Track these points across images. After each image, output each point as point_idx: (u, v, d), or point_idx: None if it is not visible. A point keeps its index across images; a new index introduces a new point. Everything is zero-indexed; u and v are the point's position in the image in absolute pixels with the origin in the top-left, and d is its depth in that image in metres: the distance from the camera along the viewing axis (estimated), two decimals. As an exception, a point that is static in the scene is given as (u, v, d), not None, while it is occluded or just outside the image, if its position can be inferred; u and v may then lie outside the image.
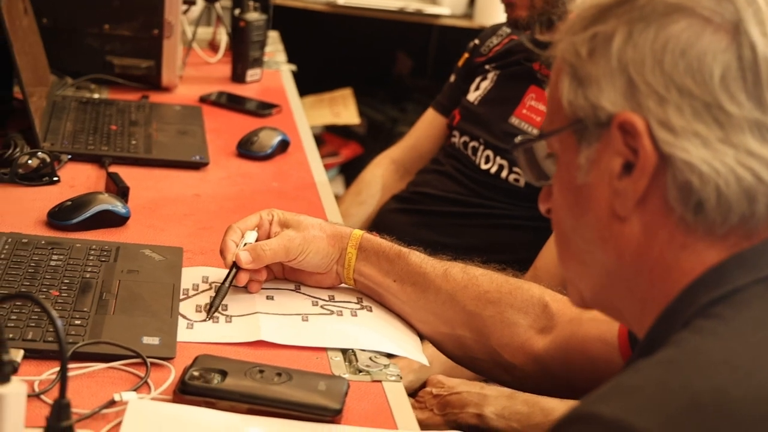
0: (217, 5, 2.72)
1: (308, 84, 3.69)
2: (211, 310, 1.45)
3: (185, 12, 2.68)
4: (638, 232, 0.95)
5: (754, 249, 0.93)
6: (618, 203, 0.94)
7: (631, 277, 0.98)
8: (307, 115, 2.64)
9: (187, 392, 1.23)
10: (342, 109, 3.51)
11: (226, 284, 1.48)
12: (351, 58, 3.88)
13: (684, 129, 0.91)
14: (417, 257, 1.50)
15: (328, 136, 3.87)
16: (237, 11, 2.58)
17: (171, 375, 1.27)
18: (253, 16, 2.56)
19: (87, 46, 2.38)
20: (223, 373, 1.26)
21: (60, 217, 1.67)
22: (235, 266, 1.49)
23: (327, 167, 3.73)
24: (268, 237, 1.52)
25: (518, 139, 1.07)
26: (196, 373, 1.25)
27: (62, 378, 1.02)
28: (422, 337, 1.51)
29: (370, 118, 3.85)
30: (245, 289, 1.51)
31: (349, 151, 3.79)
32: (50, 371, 1.26)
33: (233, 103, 2.41)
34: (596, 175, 0.96)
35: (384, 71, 3.98)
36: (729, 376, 0.84)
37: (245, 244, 1.50)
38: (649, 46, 0.93)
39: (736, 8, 0.92)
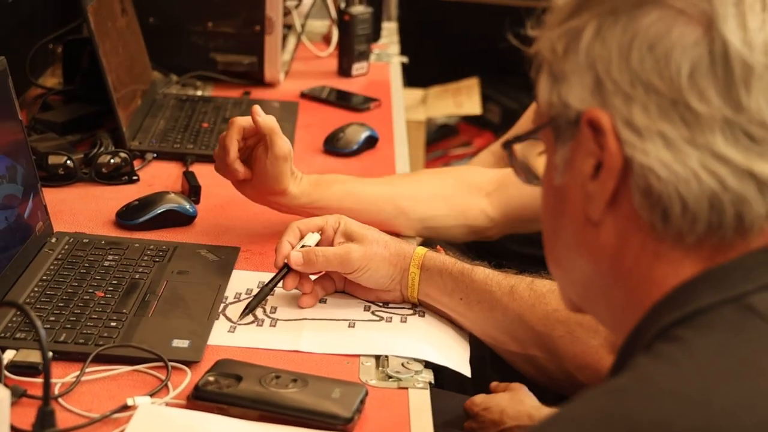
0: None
1: (438, 75, 3.68)
2: (246, 310, 1.45)
3: (297, 6, 2.70)
4: (613, 238, 0.90)
5: (725, 266, 0.86)
6: (590, 207, 0.90)
7: (609, 285, 0.93)
8: (430, 106, 2.63)
9: (199, 397, 1.24)
10: (465, 99, 3.47)
11: (270, 285, 1.48)
12: (482, 46, 3.83)
13: (648, 128, 0.85)
14: (482, 274, 1.46)
15: (463, 126, 3.84)
16: (343, 4, 2.57)
17: (186, 379, 1.28)
18: (358, 9, 2.55)
19: (191, 43, 2.43)
20: (239, 379, 1.26)
21: (127, 216, 1.71)
22: (286, 267, 1.49)
23: (459, 157, 3.72)
24: (331, 244, 1.50)
25: (508, 136, 1.03)
26: (211, 378, 1.26)
27: (45, 385, 1.04)
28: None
29: (504, 106, 3.80)
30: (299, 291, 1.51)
31: (482, 141, 3.75)
32: (73, 374, 1.28)
33: (333, 98, 2.41)
34: (571, 177, 0.91)
35: (518, 58, 3.91)
36: (676, 408, 0.79)
37: (302, 246, 1.49)
38: (617, 41, 0.87)
39: (709, 0, 0.86)
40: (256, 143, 1.63)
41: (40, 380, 1.24)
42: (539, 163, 0.99)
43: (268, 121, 1.59)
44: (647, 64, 0.86)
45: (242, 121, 1.61)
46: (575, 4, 0.91)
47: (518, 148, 1.01)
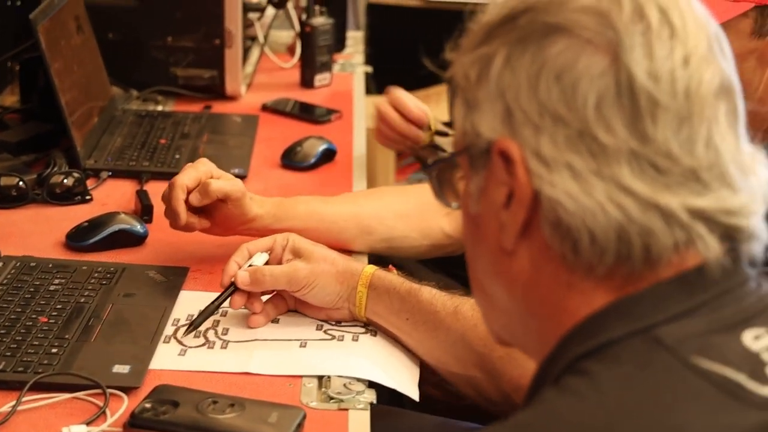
0: (291, 9, 2.71)
1: (410, 81, 3.66)
2: (189, 328, 1.45)
3: (260, 18, 2.70)
4: (527, 268, 0.90)
5: (635, 297, 0.86)
6: (503, 236, 0.89)
7: (525, 314, 0.93)
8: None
9: (135, 425, 1.23)
10: (434, 105, 3.45)
11: (215, 304, 1.47)
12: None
13: (556, 160, 0.85)
14: (428, 294, 1.45)
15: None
16: (304, 16, 2.57)
17: (123, 406, 1.27)
18: (320, 20, 2.55)
19: (152, 58, 2.42)
20: (175, 405, 1.25)
21: (77, 238, 1.70)
22: (233, 287, 1.48)
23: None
24: (279, 263, 1.50)
25: (429, 160, 1.02)
26: (147, 405, 1.25)
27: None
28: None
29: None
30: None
31: (456, 146, 3.74)
32: (10, 404, 1.28)
33: (296, 111, 2.40)
34: (485, 205, 0.91)
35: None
36: None
37: (250, 266, 1.49)
38: (525, 71, 0.87)
39: (616, 29, 0.85)
40: None
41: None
42: (460, 188, 0.99)
43: (215, 189, 1.59)
44: (554, 94, 0.85)
45: (183, 180, 1.60)
46: (486, 31, 0.91)
47: (437, 173, 1.01)
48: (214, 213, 1.63)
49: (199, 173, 1.60)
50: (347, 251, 1.69)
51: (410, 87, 3.66)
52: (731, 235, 0.87)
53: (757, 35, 1.40)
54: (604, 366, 0.83)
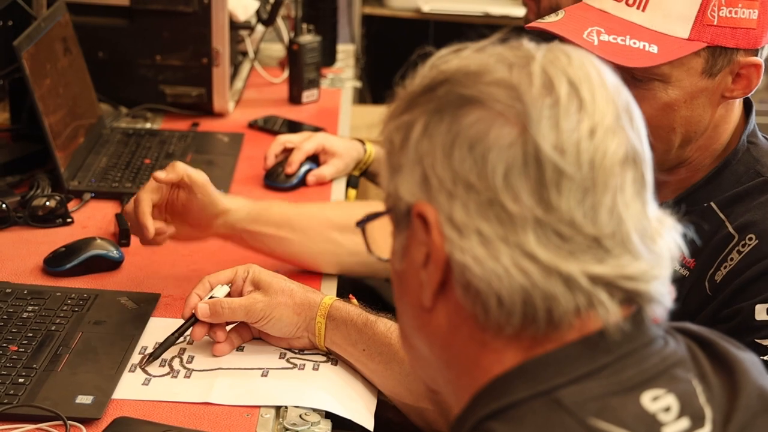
0: (281, 24, 2.76)
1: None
2: (149, 358, 1.50)
3: (250, 34, 2.74)
4: (444, 325, 0.94)
5: (539, 359, 0.90)
6: (422, 293, 0.94)
7: (445, 368, 0.97)
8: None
9: (91, 458, 1.28)
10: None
11: (175, 335, 1.52)
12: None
13: (467, 226, 0.89)
14: (384, 326, 1.49)
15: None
16: (291, 34, 2.61)
17: (82, 439, 1.33)
18: (307, 38, 2.59)
19: (141, 76, 2.47)
20: (131, 438, 1.30)
21: (53, 263, 1.76)
22: (193, 318, 1.53)
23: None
24: (240, 294, 1.55)
25: (361, 216, 1.06)
26: (104, 438, 1.30)
27: None
28: None
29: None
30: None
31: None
32: (-28, 434, 1.33)
33: (281, 129, 2.45)
34: (407, 263, 0.95)
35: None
36: None
37: (211, 297, 1.54)
38: (441, 139, 0.91)
39: (524, 102, 0.89)
40: (168, 198, 1.67)
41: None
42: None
43: (175, 172, 1.65)
44: (467, 163, 0.89)
45: (146, 194, 1.66)
46: (410, 99, 0.95)
47: (369, 228, 1.05)
48: (183, 211, 1.68)
49: (160, 186, 1.67)
50: (318, 275, 1.74)
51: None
52: (633, 299, 0.91)
53: (708, 75, 1.43)
54: (507, 426, 0.87)
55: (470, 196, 0.89)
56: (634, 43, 1.40)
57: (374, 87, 3.51)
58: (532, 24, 1.46)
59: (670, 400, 0.89)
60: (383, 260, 1.03)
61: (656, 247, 0.92)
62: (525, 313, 0.89)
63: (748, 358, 0.98)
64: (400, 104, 0.95)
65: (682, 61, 1.42)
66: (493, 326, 0.90)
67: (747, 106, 1.53)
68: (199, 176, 1.68)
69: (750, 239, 1.42)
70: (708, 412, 0.90)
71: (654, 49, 1.40)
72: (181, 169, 1.66)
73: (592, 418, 0.86)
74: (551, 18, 1.45)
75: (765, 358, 1.38)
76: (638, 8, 1.42)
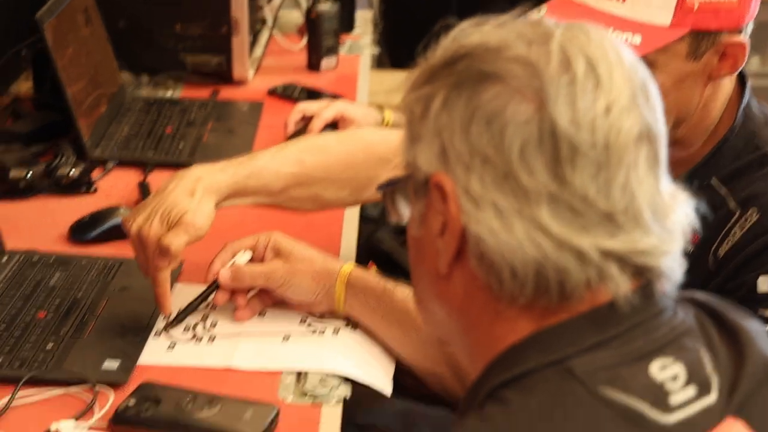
0: (299, -7, 2.78)
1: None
2: (173, 322, 1.54)
3: (269, 1, 2.76)
4: (460, 292, 0.97)
5: (551, 330, 0.93)
6: (439, 261, 0.97)
7: (460, 333, 1.00)
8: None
9: (119, 421, 1.33)
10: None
11: (198, 300, 1.56)
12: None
13: (483, 198, 0.92)
14: (402, 293, 1.52)
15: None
16: (309, 2, 2.64)
17: (109, 403, 1.37)
18: (325, 6, 2.61)
19: (161, 45, 2.50)
20: (157, 402, 1.34)
21: (78, 232, 1.80)
22: (216, 284, 1.57)
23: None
24: (262, 261, 1.59)
25: (384, 181, 1.08)
26: (131, 403, 1.34)
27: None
28: None
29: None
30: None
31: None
32: (5, 399, 1.37)
33: (299, 96, 2.47)
34: (425, 231, 0.98)
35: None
36: None
37: (233, 263, 1.58)
38: (460, 114, 0.93)
39: (541, 80, 0.91)
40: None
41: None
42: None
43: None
44: (484, 137, 0.92)
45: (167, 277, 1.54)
46: (430, 72, 0.97)
47: (389, 193, 1.08)
48: None
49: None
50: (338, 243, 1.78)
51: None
52: (643, 273, 0.94)
53: (693, 58, 1.45)
54: (520, 395, 0.91)
55: (486, 169, 0.92)
56: (617, 36, 1.42)
57: (393, 52, 3.52)
58: None
59: (678, 369, 0.92)
60: (402, 226, 1.06)
61: (668, 223, 0.95)
62: (537, 284, 0.92)
63: (754, 328, 1.01)
64: (422, 76, 0.98)
65: (667, 47, 1.44)
66: (507, 296, 0.93)
67: (742, 80, 1.55)
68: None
69: (751, 214, 1.45)
70: (714, 380, 0.93)
71: (637, 39, 1.42)
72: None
73: (602, 387, 0.89)
74: (532, 15, 1.47)
75: None
76: (619, 0, 1.45)
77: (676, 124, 1.49)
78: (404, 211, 1.04)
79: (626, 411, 0.89)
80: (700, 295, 1.04)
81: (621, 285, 0.92)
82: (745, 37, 1.47)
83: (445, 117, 0.94)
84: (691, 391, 0.92)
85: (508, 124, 0.91)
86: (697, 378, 0.93)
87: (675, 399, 0.91)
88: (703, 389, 0.92)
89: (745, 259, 1.44)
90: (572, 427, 0.88)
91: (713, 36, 1.45)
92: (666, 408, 0.90)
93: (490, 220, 0.91)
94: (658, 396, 0.90)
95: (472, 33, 0.97)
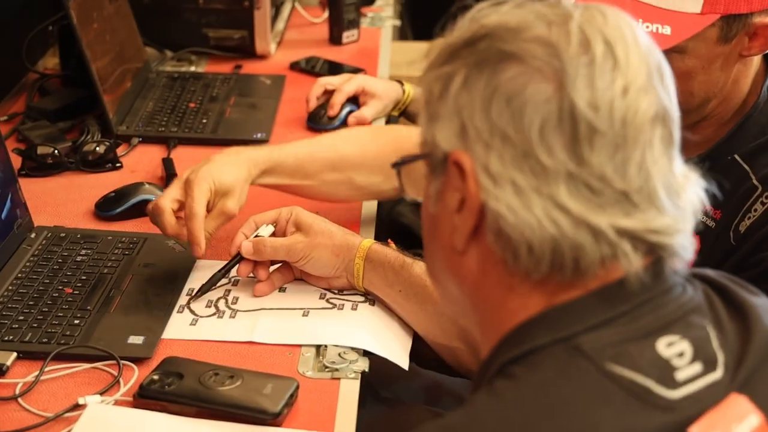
0: (320, -34, 2.79)
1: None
2: (197, 293, 1.58)
3: (292, -26, 2.78)
4: (475, 267, 0.99)
5: (561, 307, 0.96)
6: (455, 237, 0.99)
7: (473, 309, 1.03)
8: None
9: (143, 396, 1.36)
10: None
11: (221, 272, 1.59)
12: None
13: (502, 176, 0.94)
14: (420, 268, 1.54)
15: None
16: (331, -26, 2.65)
17: (134, 377, 1.40)
18: (346, -21, 2.62)
19: (185, 20, 2.53)
20: (180, 377, 1.38)
21: (104, 208, 1.83)
22: (239, 256, 1.60)
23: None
24: (284, 235, 1.62)
25: (399, 158, 1.11)
26: (155, 377, 1.38)
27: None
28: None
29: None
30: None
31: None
32: (34, 374, 1.41)
33: (321, 70, 2.50)
34: (441, 207, 1.00)
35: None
36: None
37: (255, 236, 1.61)
38: (480, 93, 0.95)
39: (561, 60, 0.93)
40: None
41: (5, 380, 1.38)
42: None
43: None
44: (504, 116, 0.94)
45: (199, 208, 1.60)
46: (450, 51, 0.99)
47: (406, 170, 1.10)
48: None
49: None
50: (357, 219, 1.80)
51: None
52: (655, 251, 0.96)
53: (724, 41, 1.46)
54: (529, 371, 0.93)
55: (506, 147, 0.94)
56: (647, 27, 1.42)
57: (415, 23, 3.54)
58: None
59: (684, 346, 0.95)
60: (417, 201, 1.09)
61: (681, 202, 0.97)
62: (553, 261, 0.94)
63: (762, 304, 1.03)
64: (441, 55, 1.00)
65: (698, 34, 1.44)
66: (522, 272, 0.96)
67: (766, 57, 1.55)
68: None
69: None
70: (720, 357, 0.96)
71: (667, 30, 1.42)
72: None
73: (609, 363, 0.92)
74: None
75: None
76: None
77: (703, 103, 1.50)
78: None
79: (632, 386, 0.91)
80: (711, 273, 1.06)
81: (633, 263, 0.94)
82: None
83: (465, 96, 0.96)
84: (697, 367, 0.94)
85: (528, 104, 0.93)
86: (703, 354, 0.95)
87: (681, 375, 0.93)
88: (709, 366, 0.95)
89: (765, 235, 1.46)
90: (579, 402, 0.90)
91: (744, 18, 1.45)
92: (672, 384, 0.92)
93: (509, 197, 0.93)
94: (665, 372, 0.93)
95: (491, 13, 0.98)
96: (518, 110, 0.93)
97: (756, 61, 1.53)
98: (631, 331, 0.94)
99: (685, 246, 0.97)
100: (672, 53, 1.44)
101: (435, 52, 1.01)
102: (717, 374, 0.95)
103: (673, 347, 0.94)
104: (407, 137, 1.75)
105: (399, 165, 1.09)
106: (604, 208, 0.93)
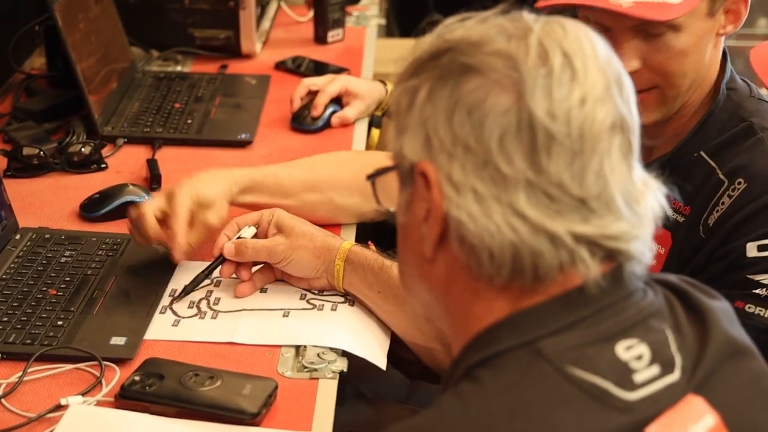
0: (305, -35, 2.82)
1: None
2: (181, 293, 1.61)
3: (277, -26, 2.80)
4: (443, 274, 1.03)
5: (524, 312, 0.99)
6: (424, 245, 1.02)
7: (443, 313, 1.06)
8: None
9: (125, 396, 1.39)
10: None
11: (204, 272, 1.62)
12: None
13: (464, 185, 0.97)
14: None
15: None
16: (316, -25, 2.68)
17: (116, 378, 1.43)
18: (331, -21, 2.65)
19: (170, 20, 2.55)
20: (161, 377, 1.40)
21: (88, 209, 1.86)
22: (221, 257, 1.63)
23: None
24: (265, 236, 1.65)
25: (373, 171, 1.14)
26: (136, 378, 1.41)
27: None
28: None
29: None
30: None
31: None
32: (17, 374, 1.44)
33: (306, 69, 2.52)
34: (411, 217, 1.04)
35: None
36: None
37: (238, 237, 1.64)
38: (443, 104, 0.98)
39: (520, 72, 0.96)
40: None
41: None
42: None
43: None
44: (466, 127, 0.97)
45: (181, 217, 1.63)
46: (416, 65, 1.03)
47: (380, 183, 1.14)
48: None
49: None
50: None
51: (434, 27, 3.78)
52: (614, 257, 0.99)
53: (710, 15, 1.52)
54: (493, 374, 0.97)
55: (468, 157, 0.97)
56: None
57: (401, 20, 3.56)
58: None
59: (643, 349, 0.98)
60: (391, 212, 1.12)
61: (640, 208, 1.00)
62: (513, 266, 0.97)
63: (720, 307, 1.06)
64: (408, 69, 1.03)
65: (693, 11, 1.49)
66: (485, 277, 0.99)
67: (723, 56, 1.59)
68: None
69: (739, 183, 1.50)
70: (678, 359, 0.99)
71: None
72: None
73: (569, 366, 0.95)
74: None
75: (756, 291, 1.47)
76: None
77: (692, 84, 1.56)
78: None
79: (592, 389, 0.94)
80: (672, 277, 1.09)
81: (591, 268, 0.97)
82: None
83: (429, 108, 0.99)
84: (654, 369, 0.97)
85: (488, 114, 0.96)
86: (661, 357, 0.98)
87: (639, 377, 0.96)
88: (667, 368, 0.98)
89: (733, 227, 1.50)
90: (540, 404, 0.94)
91: None
92: (630, 386, 0.95)
93: (470, 205, 0.97)
94: (623, 374, 0.96)
95: (457, 28, 1.02)
96: (479, 121, 0.96)
97: (715, 54, 1.57)
98: (591, 335, 0.97)
99: (643, 251, 1.00)
100: (668, 32, 1.49)
101: (404, 67, 1.04)
102: (674, 376, 0.98)
103: (631, 350, 0.97)
104: (385, 162, 1.77)
105: (373, 177, 1.12)
106: (562, 214, 0.96)
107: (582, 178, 0.96)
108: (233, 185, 1.69)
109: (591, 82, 0.97)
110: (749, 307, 1.47)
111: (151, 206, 1.64)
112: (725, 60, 1.59)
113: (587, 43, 0.99)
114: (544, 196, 0.96)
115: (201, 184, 1.66)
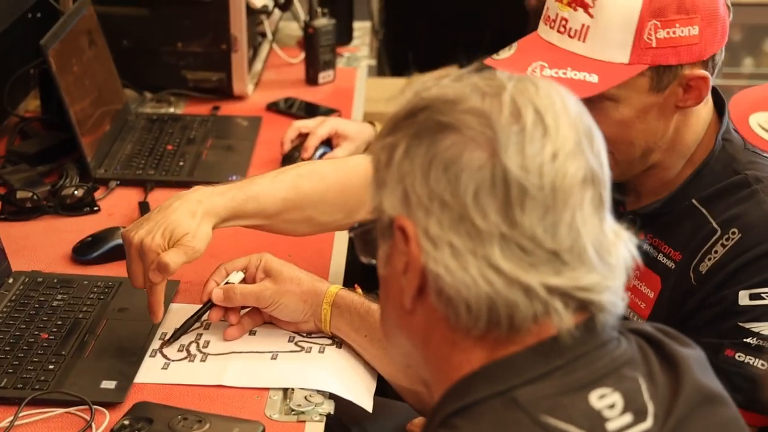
0: (298, 7, 2.86)
1: (426, 59, 3.80)
2: (170, 339, 1.64)
3: (268, 17, 2.84)
4: (423, 325, 1.06)
5: (499, 362, 1.02)
6: (403, 297, 1.05)
7: (423, 362, 1.09)
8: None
9: (113, 440, 1.42)
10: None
11: (193, 318, 1.65)
12: (473, 27, 3.94)
13: (440, 239, 1.00)
14: None
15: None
16: (306, 18, 2.72)
17: (105, 422, 1.46)
18: (322, 21, 2.69)
19: (163, 62, 2.59)
20: (150, 421, 1.43)
21: (80, 252, 1.89)
22: (210, 302, 1.66)
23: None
24: (253, 281, 1.68)
25: (355, 224, 1.17)
26: (125, 422, 1.43)
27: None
28: None
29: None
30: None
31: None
32: (8, 419, 1.46)
33: (298, 111, 2.56)
34: (390, 270, 1.07)
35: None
36: None
37: (226, 283, 1.67)
38: (420, 161, 1.02)
39: (494, 129, 1.00)
40: None
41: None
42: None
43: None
44: (442, 183, 1.00)
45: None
46: (394, 123, 1.06)
47: (359, 235, 1.16)
48: None
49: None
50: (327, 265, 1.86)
51: (425, 66, 3.82)
52: (587, 307, 1.02)
53: (656, 90, 1.53)
54: (469, 423, 0.99)
55: (444, 212, 1.00)
56: (575, 75, 1.49)
57: (393, 59, 3.60)
58: (486, 61, 1.54)
59: (616, 398, 1.00)
60: (372, 265, 1.15)
61: (611, 259, 1.03)
62: (490, 318, 1.00)
63: (692, 355, 1.09)
64: (386, 126, 1.07)
65: (627, 82, 1.51)
66: (463, 328, 1.02)
67: (720, 105, 1.62)
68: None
69: (733, 233, 1.52)
70: (650, 408, 1.01)
71: (594, 78, 1.49)
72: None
73: (543, 415, 0.97)
74: (504, 53, 1.56)
75: (747, 340, 1.49)
76: (579, 39, 1.52)
77: (645, 153, 1.57)
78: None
79: None
80: (647, 326, 1.12)
81: (565, 319, 1.00)
82: (707, 72, 1.53)
83: (407, 164, 1.03)
84: (627, 418, 1.00)
85: (464, 170, 0.99)
86: (633, 406, 1.01)
87: (612, 426, 0.99)
88: (639, 416, 1.00)
89: (727, 275, 1.52)
90: None
91: (674, 69, 1.51)
92: None
93: (447, 259, 1.00)
94: (596, 423, 0.98)
95: (432, 86, 1.05)
96: (454, 177, 1.00)
97: (703, 114, 1.59)
98: (565, 384, 1.00)
99: (614, 302, 1.03)
100: (607, 102, 1.51)
101: (384, 124, 1.08)
102: (647, 424, 1.00)
103: (604, 399, 1.00)
104: (367, 165, 1.78)
105: (355, 230, 1.15)
106: (535, 267, 0.99)
107: (555, 231, 0.99)
108: (216, 220, 1.66)
109: (562, 137, 1.00)
110: (739, 356, 1.49)
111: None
112: (722, 112, 1.62)
113: (558, 100, 1.03)
114: (518, 249, 0.99)
115: (180, 229, 1.60)
